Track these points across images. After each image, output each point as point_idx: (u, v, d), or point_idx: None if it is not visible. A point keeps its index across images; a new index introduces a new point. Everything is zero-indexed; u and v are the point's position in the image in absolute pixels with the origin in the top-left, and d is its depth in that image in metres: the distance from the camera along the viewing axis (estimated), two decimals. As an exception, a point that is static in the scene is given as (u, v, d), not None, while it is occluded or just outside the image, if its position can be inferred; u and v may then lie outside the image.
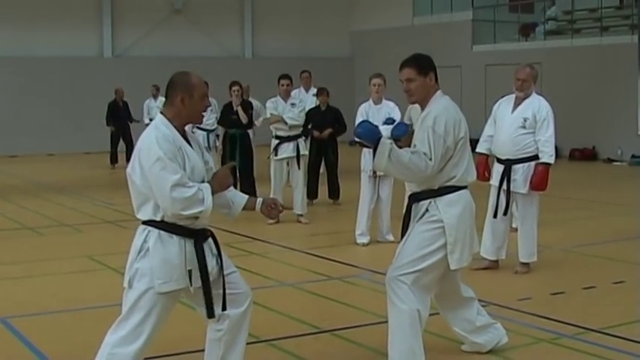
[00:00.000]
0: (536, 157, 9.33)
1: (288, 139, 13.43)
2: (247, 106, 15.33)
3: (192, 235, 5.19)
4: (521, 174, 9.34)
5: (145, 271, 5.11)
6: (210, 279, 5.29)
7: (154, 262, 5.10)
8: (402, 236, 6.26)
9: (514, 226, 10.23)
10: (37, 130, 27.31)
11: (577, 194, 16.64)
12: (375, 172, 11.30)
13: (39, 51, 27.62)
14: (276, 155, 13.47)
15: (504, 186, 9.43)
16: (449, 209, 6.03)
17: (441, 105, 6.09)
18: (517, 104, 9.46)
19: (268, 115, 13.68)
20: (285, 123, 13.33)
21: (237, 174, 14.71)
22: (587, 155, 24.10)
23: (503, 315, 7.63)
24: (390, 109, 11.56)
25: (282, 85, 13.53)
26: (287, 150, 13.45)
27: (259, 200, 5.60)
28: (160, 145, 5.03)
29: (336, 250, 10.96)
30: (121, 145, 23.02)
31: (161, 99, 22.22)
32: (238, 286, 5.51)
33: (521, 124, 9.30)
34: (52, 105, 27.69)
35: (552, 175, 9.50)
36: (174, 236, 5.13)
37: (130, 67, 28.05)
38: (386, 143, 5.94)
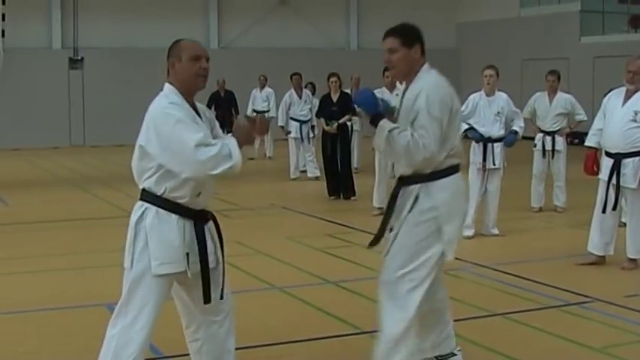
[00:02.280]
0: (646, 152, 9.16)
1: (394, 131, 13.40)
2: (345, 99, 15.45)
3: (191, 216, 4.90)
4: (631, 168, 9.16)
5: (143, 251, 4.86)
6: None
7: (151, 242, 4.85)
8: (384, 223, 5.77)
9: (623, 220, 10.04)
10: (141, 121, 27.69)
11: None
12: (484, 165, 11.31)
13: (146, 42, 28.10)
14: (380, 146, 13.46)
15: (613, 180, 9.27)
16: (440, 194, 5.44)
17: (431, 82, 5.61)
18: (628, 97, 9.29)
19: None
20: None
21: (338, 164, 15.45)
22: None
23: (609, 312, 7.51)
24: (502, 101, 11.49)
25: (387, 77, 13.52)
26: (392, 142, 13.40)
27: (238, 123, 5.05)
28: (176, 108, 4.83)
29: (440, 243, 10.89)
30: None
31: (267, 90, 22.38)
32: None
33: (632, 118, 9.13)
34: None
35: (663, 169, 9.29)
36: (173, 215, 4.85)
37: (236, 58, 28.33)
38: (387, 122, 5.54)
